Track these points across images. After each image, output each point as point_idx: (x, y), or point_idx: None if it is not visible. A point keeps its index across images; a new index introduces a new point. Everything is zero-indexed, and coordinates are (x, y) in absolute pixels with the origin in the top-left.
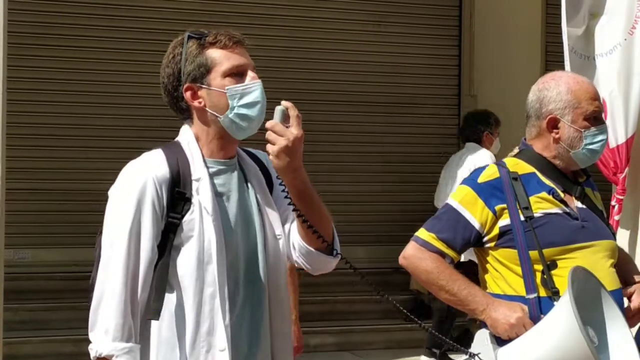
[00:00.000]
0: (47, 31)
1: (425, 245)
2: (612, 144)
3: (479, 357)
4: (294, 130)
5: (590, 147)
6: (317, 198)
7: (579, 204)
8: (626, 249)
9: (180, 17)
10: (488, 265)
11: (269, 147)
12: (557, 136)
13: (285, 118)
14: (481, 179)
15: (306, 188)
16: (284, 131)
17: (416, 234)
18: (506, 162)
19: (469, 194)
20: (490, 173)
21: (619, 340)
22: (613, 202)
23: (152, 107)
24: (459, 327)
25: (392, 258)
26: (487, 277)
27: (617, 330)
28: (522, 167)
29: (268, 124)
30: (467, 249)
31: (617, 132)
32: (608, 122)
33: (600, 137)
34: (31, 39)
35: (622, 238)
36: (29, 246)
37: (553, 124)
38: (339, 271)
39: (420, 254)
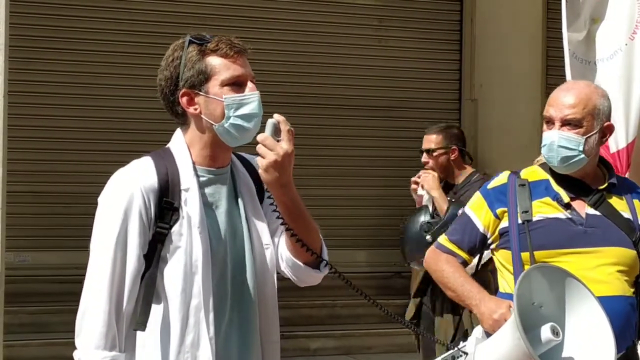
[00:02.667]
0: (48, 34)
1: (440, 247)
2: (613, 148)
3: (462, 350)
4: (284, 145)
5: (542, 150)
6: (306, 213)
7: (591, 211)
8: None
9: (180, 21)
10: (496, 265)
11: (258, 160)
12: None
13: (277, 132)
14: (491, 185)
15: (294, 203)
16: (274, 145)
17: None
18: (523, 170)
19: (478, 199)
20: (500, 179)
21: (591, 321)
22: None
23: (153, 111)
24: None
25: (392, 262)
26: (497, 275)
27: (589, 311)
28: (536, 174)
29: (259, 137)
30: (477, 252)
31: (617, 137)
32: None
33: (543, 142)
34: (32, 41)
35: None
36: (30, 249)
37: None
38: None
39: (435, 255)
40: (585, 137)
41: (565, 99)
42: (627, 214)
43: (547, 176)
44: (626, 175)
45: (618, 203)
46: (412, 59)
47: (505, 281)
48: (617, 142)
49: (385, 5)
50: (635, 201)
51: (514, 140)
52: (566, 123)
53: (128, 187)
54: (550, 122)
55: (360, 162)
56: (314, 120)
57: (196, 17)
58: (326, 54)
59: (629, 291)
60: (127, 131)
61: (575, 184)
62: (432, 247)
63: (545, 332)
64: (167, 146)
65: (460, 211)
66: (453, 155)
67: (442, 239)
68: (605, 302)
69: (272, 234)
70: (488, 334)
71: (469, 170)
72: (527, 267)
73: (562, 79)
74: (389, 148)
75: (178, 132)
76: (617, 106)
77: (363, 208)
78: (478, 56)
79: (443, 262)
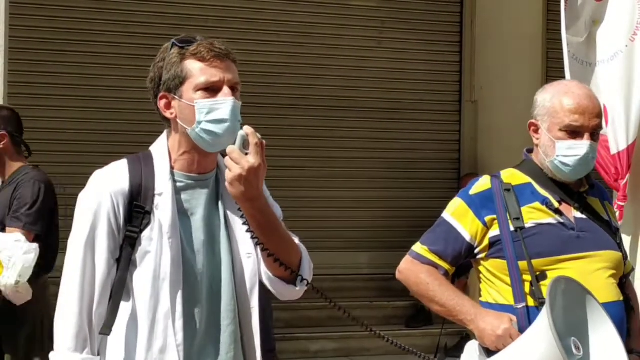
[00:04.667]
0: (48, 36)
1: (418, 258)
2: (613, 150)
3: None
4: (250, 159)
5: (562, 159)
6: (279, 227)
7: (578, 214)
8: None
9: (181, 23)
10: (481, 276)
11: (226, 172)
12: (537, 142)
13: (246, 144)
14: (473, 190)
15: (264, 217)
16: (240, 159)
17: (412, 247)
18: (502, 173)
19: (460, 206)
20: (483, 184)
21: (607, 344)
22: (614, 209)
23: (152, 113)
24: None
25: (394, 264)
26: (482, 286)
27: (605, 334)
28: (517, 177)
29: (227, 149)
30: (460, 261)
31: (618, 139)
32: (609, 128)
33: (573, 152)
34: (32, 43)
35: (624, 244)
36: None
37: (534, 129)
38: (338, 277)
39: (413, 266)
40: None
41: (592, 108)
42: (605, 217)
43: (529, 179)
44: (626, 177)
45: (597, 206)
46: (412, 61)
47: (498, 292)
48: (617, 143)
49: (385, 7)
50: (606, 203)
51: (514, 142)
52: (593, 132)
53: (98, 190)
54: (576, 132)
55: (361, 164)
56: (315, 122)
57: (194, 18)
58: (328, 55)
59: (620, 295)
60: (129, 133)
61: (559, 188)
62: (408, 257)
63: (572, 345)
64: (149, 149)
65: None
66: (2, 143)
67: (421, 249)
68: (605, 309)
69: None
70: (487, 350)
71: (20, 163)
72: (525, 277)
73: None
74: (389, 150)
75: (163, 134)
76: (618, 108)
77: (364, 210)
78: (478, 58)
79: (425, 275)
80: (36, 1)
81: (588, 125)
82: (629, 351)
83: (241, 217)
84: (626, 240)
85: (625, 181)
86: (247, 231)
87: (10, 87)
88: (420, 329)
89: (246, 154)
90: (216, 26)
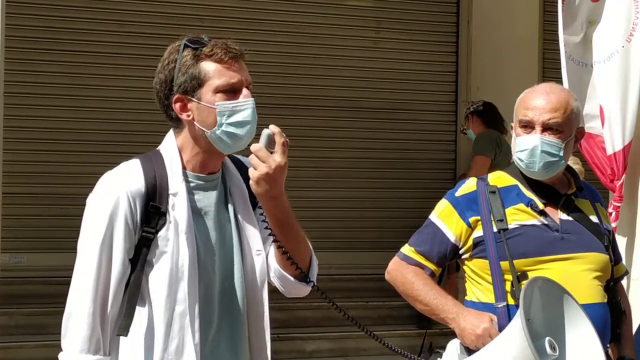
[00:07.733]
0: (45, 35)
1: (405, 259)
2: (610, 150)
3: None
4: (277, 158)
5: (518, 155)
6: (297, 226)
7: (564, 216)
8: (623, 255)
9: (177, 22)
10: (467, 275)
11: (250, 171)
12: None
13: (271, 143)
14: (459, 192)
15: (285, 216)
16: (266, 157)
17: (400, 249)
18: (489, 176)
19: (446, 207)
20: (468, 187)
21: (584, 344)
22: (610, 209)
23: (150, 112)
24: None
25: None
26: (467, 285)
27: (583, 334)
28: (504, 180)
29: (252, 148)
30: (446, 262)
31: (614, 139)
32: (605, 129)
33: (523, 147)
34: (29, 43)
35: (619, 245)
36: (26, 250)
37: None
38: (335, 277)
39: (400, 267)
40: (565, 142)
41: (545, 103)
42: (594, 218)
43: (516, 182)
44: (622, 178)
45: (585, 207)
46: (408, 61)
47: (481, 291)
48: (613, 144)
49: (381, 8)
50: (598, 205)
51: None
52: (547, 128)
53: (114, 191)
54: (528, 126)
55: (356, 164)
56: (310, 121)
57: (191, 18)
58: (323, 55)
59: (604, 297)
60: (126, 132)
61: (545, 190)
62: (396, 259)
63: (545, 346)
64: (157, 149)
65: None
66: None
67: (407, 250)
68: (587, 310)
69: (264, 241)
70: (467, 349)
71: None
72: (507, 277)
73: (558, 81)
74: (385, 150)
75: (170, 134)
76: (614, 108)
77: (360, 210)
78: (474, 58)
79: (411, 275)
80: (34, 0)
81: (537, 119)
82: (621, 358)
83: (260, 214)
84: (622, 240)
85: (621, 182)
86: (266, 228)
87: (8, 86)
88: (423, 329)
89: (271, 152)
90: (212, 26)
